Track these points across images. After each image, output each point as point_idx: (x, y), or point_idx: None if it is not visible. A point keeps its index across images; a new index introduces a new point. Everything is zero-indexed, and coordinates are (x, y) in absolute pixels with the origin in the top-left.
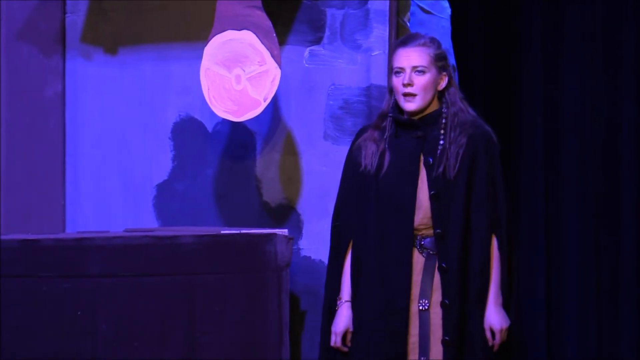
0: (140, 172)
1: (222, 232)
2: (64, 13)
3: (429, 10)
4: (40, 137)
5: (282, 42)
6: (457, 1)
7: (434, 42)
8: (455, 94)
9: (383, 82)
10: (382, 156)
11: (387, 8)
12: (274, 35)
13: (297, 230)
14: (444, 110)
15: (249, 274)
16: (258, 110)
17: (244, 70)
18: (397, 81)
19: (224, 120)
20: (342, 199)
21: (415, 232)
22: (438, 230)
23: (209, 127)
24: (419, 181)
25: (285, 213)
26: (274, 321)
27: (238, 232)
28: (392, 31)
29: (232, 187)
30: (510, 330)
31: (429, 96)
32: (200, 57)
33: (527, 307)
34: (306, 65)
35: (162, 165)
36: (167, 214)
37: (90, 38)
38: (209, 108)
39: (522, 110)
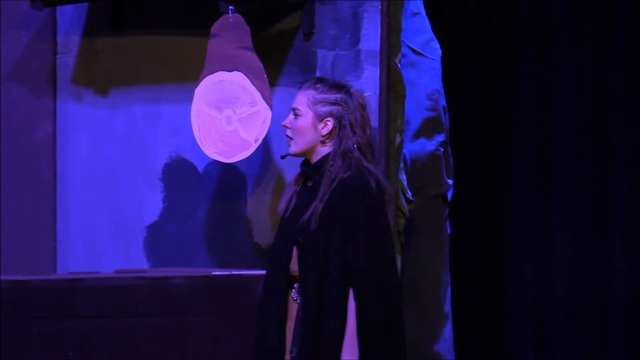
0: (131, 213)
1: (213, 273)
2: (55, 54)
3: (420, 51)
4: (31, 178)
5: (273, 83)
6: (448, 43)
7: (324, 86)
8: (344, 140)
9: (374, 123)
10: (289, 202)
11: (378, 49)
12: (265, 76)
13: None
14: (331, 158)
15: (240, 315)
16: (249, 151)
17: (235, 112)
18: None
19: (215, 161)
20: None
21: (293, 280)
22: (303, 279)
23: (200, 168)
24: None
25: None
26: None
27: (229, 273)
28: (383, 72)
29: (223, 228)
30: None
31: (305, 140)
32: (191, 98)
33: (514, 339)
34: None
35: (152, 206)
36: (158, 255)
37: (81, 79)
38: (200, 149)
39: (513, 153)
